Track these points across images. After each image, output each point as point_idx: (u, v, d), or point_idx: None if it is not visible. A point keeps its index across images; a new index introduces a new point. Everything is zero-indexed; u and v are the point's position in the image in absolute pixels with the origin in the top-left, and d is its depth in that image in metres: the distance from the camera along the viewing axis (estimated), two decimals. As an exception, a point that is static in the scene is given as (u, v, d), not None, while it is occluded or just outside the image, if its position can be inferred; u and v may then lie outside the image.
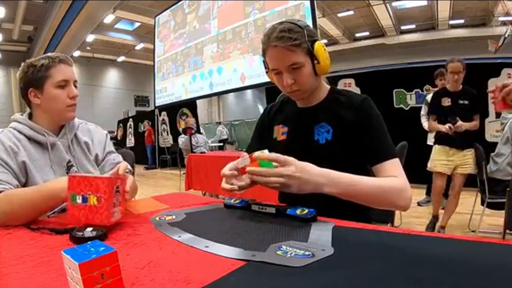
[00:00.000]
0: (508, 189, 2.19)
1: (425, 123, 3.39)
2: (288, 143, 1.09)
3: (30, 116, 1.17)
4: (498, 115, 3.92)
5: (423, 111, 3.49)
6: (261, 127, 1.22)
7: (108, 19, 10.93)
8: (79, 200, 0.76)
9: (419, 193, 3.80)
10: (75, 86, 1.16)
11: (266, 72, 1.08)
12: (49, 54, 1.14)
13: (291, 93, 1.03)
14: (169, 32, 8.05)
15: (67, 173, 1.14)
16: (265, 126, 1.20)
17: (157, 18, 8.54)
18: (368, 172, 1.00)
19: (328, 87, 1.11)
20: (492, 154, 2.65)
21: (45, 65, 1.09)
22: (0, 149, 1.04)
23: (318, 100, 1.08)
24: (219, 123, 12.97)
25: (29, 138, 1.11)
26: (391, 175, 0.92)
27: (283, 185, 0.79)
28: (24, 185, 1.05)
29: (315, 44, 0.97)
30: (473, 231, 2.72)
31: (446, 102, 2.70)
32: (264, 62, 1.06)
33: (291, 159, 0.80)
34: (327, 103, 1.07)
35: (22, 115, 1.17)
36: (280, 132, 1.13)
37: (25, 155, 1.07)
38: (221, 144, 9.93)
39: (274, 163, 0.80)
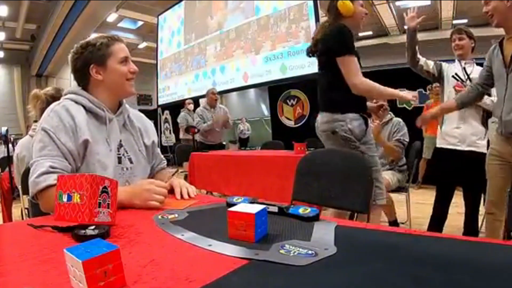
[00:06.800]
0: (508, 190, 2.18)
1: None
2: None
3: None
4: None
5: None
6: None
7: (111, 18, 10.93)
8: (64, 198, 0.75)
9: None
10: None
11: None
12: (103, 34, 1.21)
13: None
14: (171, 30, 8.06)
15: (118, 149, 1.18)
16: None
17: (160, 17, 8.54)
18: None
19: None
20: None
21: (105, 44, 1.16)
22: (59, 129, 1.04)
23: None
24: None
25: (87, 110, 1.13)
26: None
27: None
28: (83, 158, 1.08)
29: None
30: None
31: None
32: None
33: None
34: None
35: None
36: None
37: (86, 131, 1.08)
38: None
39: None
